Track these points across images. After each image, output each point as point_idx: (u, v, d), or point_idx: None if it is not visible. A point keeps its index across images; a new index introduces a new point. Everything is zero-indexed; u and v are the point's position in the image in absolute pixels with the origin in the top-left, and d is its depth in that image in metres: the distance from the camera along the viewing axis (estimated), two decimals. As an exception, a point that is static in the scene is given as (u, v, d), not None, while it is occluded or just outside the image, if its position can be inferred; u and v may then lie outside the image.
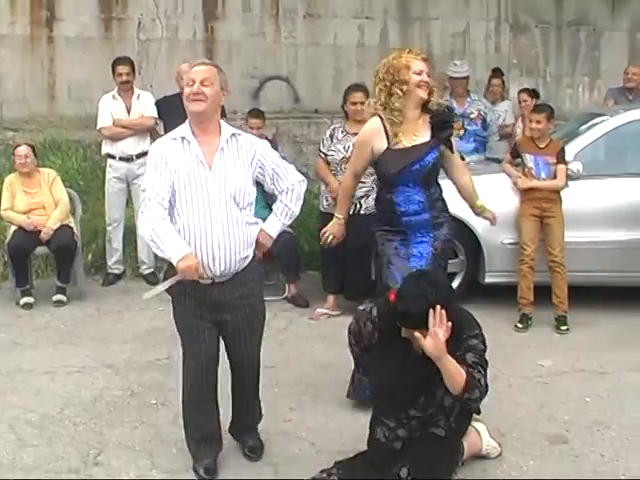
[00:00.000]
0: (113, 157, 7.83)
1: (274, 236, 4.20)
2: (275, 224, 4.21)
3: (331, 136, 6.79)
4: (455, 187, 5.05)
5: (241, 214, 4.01)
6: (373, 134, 4.80)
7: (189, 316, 4.08)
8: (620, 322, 6.55)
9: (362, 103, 6.47)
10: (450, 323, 3.67)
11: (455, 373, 3.68)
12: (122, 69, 7.77)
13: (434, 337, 3.63)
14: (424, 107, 4.79)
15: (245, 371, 4.31)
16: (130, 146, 7.76)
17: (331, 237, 5.13)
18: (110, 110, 7.79)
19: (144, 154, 7.76)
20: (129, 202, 7.99)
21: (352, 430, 4.58)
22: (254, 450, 4.37)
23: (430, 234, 4.83)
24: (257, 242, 4.12)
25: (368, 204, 6.37)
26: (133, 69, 7.91)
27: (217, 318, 4.08)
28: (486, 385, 3.77)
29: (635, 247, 6.68)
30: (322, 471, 3.90)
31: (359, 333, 4.13)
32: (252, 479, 4.14)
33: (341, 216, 5.14)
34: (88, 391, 5.23)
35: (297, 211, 4.27)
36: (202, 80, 3.94)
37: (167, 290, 4.07)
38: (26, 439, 4.55)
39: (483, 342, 3.89)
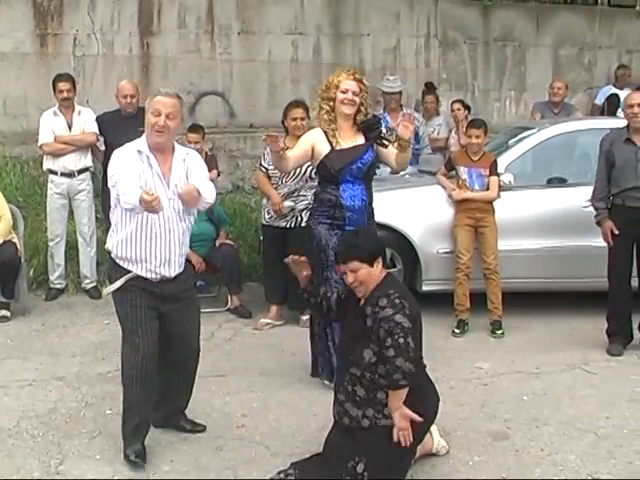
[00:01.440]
0: (55, 173, 7.85)
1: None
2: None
3: (272, 151, 6.94)
4: (395, 166, 5.67)
5: (185, 223, 4.49)
6: (316, 138, 5.45)
7: (135, 306, 4.42)
8: (551, 325, 6.89)
9: (302, 119, 6.70)
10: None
11: (399, 400, 3.97)
12: (63, 86, 7.80)
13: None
14: (355, 121, 5.45)
15: (189, 351, 4.70)
16: (72, 162, 7.80)
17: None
18: (51, 126, 7.81)
19: (85, 170, 7.88)
20: (70, 217, 8.05)
21: (304, 434, 4.79)
22: (197, 424, 4.85)
23: None
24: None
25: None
26: (74, 86, 7.94)
27: (162, 308, 4.48)
28: (393, 355, 3.90)
29: (563, 254, 7.01)
30: (279, 472, 4.09)
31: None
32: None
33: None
34: (42, 404, 5.30)
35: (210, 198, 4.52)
36: (168, 114, 4.29)
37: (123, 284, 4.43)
38: (-15, 452, 4.62)
39: (395, 305, 4.02)
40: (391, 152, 5.51)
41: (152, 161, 4.34)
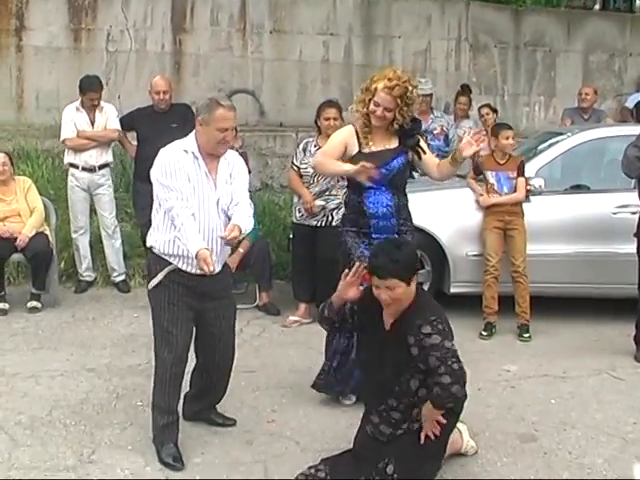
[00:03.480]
0: (76, 167, 7.90)
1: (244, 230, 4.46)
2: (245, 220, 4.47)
3: (304, 150, 6.96)
4: (437, 176, 5.29)
5: (225, 220, 4.46)
6: (347, 136, 5.22)
7: (173, 304, 4.41)
8: (578, 330, 6.90)
9: (335, 119, 6.73)
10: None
11: (436, 416, 4.03)
12: (94, 95, 7.80)
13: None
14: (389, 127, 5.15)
15: (226, 350, 4.73)
16: (93, 157, 7.84)
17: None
18: (74, 121, 7.86)
19: (106, 165, 7.94)
20: (94, 211, 8.14)
21: (333, 430, 4.83)
22: (228, 418, 4.92)
23: None
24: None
25: (340, 216, 6.64)
26: (101, 87, 7.97)
27: (200, 306, 4.49)
28: (449, 382, 3.89)
29: (591, 260, 7.02)
30: (310, 467, 4.12)
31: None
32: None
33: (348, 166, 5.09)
34: (74, 394, 5.38)
35: (249, 227, 4.51)
36: (233, 128, 4.40)
37: (163, 278, 4.43)
38: (19, 440, 4.68)
39: (440, 331, 3.96)
40: (431, 161, 5.25)
41: (200, 162, 4.39)
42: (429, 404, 4.00)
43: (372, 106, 5.05)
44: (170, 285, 4.41)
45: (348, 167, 5.01)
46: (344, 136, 5.25)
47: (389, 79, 5.00)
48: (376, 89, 5.01)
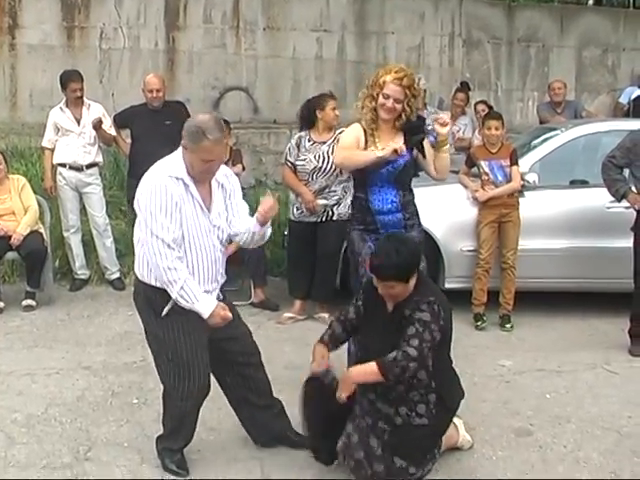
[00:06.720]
0: (63, 165, 7.90)
1: None
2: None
3: (297, 145, 6.87)
4: (434, 173, 5.30)
5: (224, 250, 4.32)
6: (357, 133, 5.15)
7: (189, 333, 4.15)
8: (572, 325, 6.93)
9: (333, 109, 6.79)
10: None
11: (368, 376, 4.09)
12: (76, 85, 7.77)
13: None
14: (395, 124, 5.11)
15: (244, 347, 4.48)
16: (80, 156, 7.84)
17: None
18: (56, 125, 7.89)
19: (94, 165, 7.93)
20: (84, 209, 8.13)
21: (329, 426, 4.84)
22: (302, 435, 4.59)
23: None
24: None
25: (340, 211, 6.67)
26: (82, 79, 7.92)
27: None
28: (413, 357, 3.98)
29: (585, 254, 7.04)
30: None
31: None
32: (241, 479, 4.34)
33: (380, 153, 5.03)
34: (69, 392, 5.39)
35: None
36: (220, 159, 4.16)
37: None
38: (15, 437, 4.69)
39: (434, 312, 4.06)
40: (431, 160, 5.21)
41: (192, 189, 4.07)
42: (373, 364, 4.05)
43: (381, 99, 5.00)
44: (181, 313, 4.10)
45: (380, 153, 4.95)
46: (355, 133, 5.18)
47: (396, 71, 5.00)
48: (385, 82, 4.97)
